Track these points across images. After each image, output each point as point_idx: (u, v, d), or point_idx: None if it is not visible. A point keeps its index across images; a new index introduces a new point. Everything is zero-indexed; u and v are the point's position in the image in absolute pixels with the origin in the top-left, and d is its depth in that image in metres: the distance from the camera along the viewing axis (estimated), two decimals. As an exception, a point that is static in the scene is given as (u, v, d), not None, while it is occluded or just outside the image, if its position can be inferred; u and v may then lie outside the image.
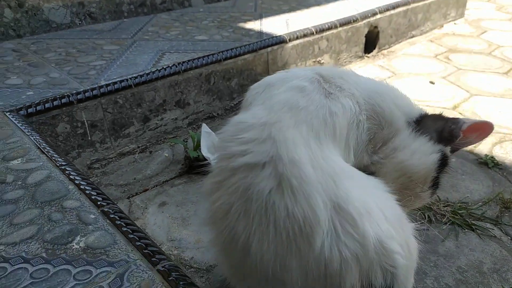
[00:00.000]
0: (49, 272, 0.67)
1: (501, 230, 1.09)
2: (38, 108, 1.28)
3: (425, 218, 1.13)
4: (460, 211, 1.14)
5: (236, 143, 0.57)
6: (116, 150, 1.48)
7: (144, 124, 1.53)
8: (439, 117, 0.71)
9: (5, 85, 1.43)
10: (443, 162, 0.69)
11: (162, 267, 0.68)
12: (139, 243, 0.73)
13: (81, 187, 0.88)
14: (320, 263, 0.53)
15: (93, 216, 0.80)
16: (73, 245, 0.73)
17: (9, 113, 1.22)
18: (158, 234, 1.10)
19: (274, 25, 2.14)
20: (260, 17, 2.32)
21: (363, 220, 0.53)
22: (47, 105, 1.29)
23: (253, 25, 2.15)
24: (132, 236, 0.75)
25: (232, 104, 1.83)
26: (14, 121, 1.17)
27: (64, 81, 1.46)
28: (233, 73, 1.78)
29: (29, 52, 1.77)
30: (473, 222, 1.10)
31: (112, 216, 0.79)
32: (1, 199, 0.85)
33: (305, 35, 2.03)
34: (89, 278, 0.66)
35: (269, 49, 1.88)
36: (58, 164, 0.96)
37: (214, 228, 0.63)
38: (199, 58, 1.64)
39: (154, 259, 0.69)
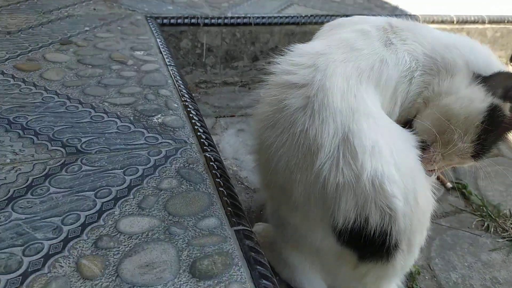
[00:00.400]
0: (129, 129, 0.86)
1: None
2: (172, 21, 1.49)
3: (483, 225, 1.07)
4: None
5: (287, 64, 0.65)
6: (222, 78, 1.65)
7: (252, 63, 1.67)
8: (506, 74, 0.65)
9: (154, -3, 1.69)
10: (495, 119, 0.63)
11: (209, 155, 0.81)
12: (200, 134, 0.87)
13: (176, 83, 1.05)
14: (318, 182, 0.59)
15: (176, 105, 0.96)
16: (153, 119, 0.90)
17: (149, 18, 1.46)
18: (226, 150, 1.25)
19: (416, 2, 2.04)
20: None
21: (365, 156, 0.57)
22: (178, 21, 1.50)
23: (397, 0, 2.08)
24: (197, 127, 0.89)
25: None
26: (150, 25, 1.40)
27: (200, 6, 1.66)
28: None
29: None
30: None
31: (188, 109, 0.94)
32: (119, 74, 1.07)
33: (442, 21, 1.91)
34: (154, 142, 0.83)
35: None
36: (167, 63, 1.15)
37: (253, 136, 0.73)
38: (320, 15, 1.69)
39: (206, 147, 0.83)
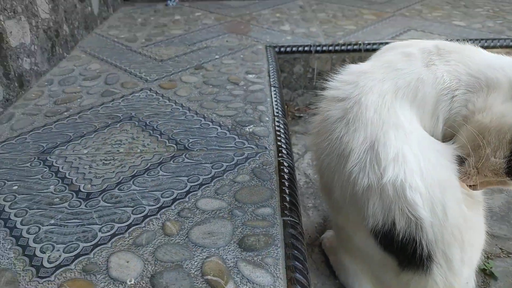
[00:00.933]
0: (225, 134, 1.08)
1: None
2: (287, 49, 1.71)
3: None
4: None
5: (336, 81, 0.76)
6: (332, 99, 1.78)
7: (362, 86, 1.75)
8: None
9: (278, 29, 1.94)
10: None
11: (282, 160, 0.96)
12: (280, 144, 1.03)
13: (273, 101, 1.24)
14: (350, 183, 0.68)
15: (267, 119, 1.15)
16: (246, 128, 1.10)
17: (268, 47, 1.70)
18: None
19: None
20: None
21: (387, 163, 0.63)
22: (293, 49, 1.70)
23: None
24: (279, 138, 1.05)
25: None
26: (267, 53, 1.64)
27: (316, 35, 1.83)
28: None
29: (309, 10, 2.24)
30: None
31: (277, 122, 1.12)
32: (230, 93, 1.31)
33: None
34: (241, 146, 1.02)
35: (532, 48, 1.67)
36: (271, 84, 1.35)
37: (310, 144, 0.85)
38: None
39: (281, 154, 0.99)
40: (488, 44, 1.66)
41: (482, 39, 1.68)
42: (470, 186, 0.70)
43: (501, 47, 1.66)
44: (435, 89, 0.70)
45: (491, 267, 0.95)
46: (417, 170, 0.65)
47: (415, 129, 0.69)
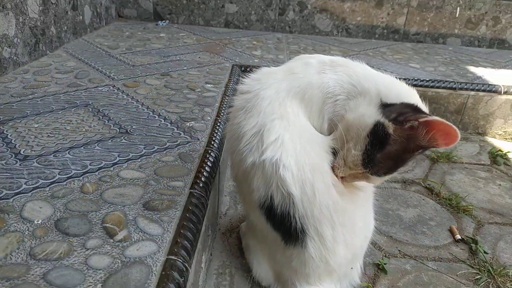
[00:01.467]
0: (166, 126, 1.19)
1: None
2: (252, 69, 1.85)
3: (477, 278, 1.03)
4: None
5: (248, 78, 0.88)
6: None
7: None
8: (411, 106, 0.72)
9: (250, 53, 2.10)
10: (378, 134, 0.71)
11: (210, 149, 1.07)
12: (213, 137, 1.14)
13: (221, 105, 1.36)
14: (241, 160, 0.79)
15: (209, 118, 1.27)
16: (187, 123, 1.22)
17: (234, 66, 1.85)
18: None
19: (505, 76, 2.00)
20: (501, 66, 2.18)
21: (268, 144, 0.74)
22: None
23: (482, 71, 2.07)
24: (214, 132, 1.17)
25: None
26: (232, 69, 1.78)
27: (282, 62, 1.99)
28: (419, 101, 1.86)
29: (284, 42, 2.42)
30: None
31: (217, 120, 1.23)
32: (185, 96, 1.44)
33: (531, 94, 1.82)
34: (177, 135, 1.13)
35: (472, 92, 1.83)
36: (224, 93, 1.48)
37: None
38: (388, 75, 1.83)
39: (211, 145, 1.09)
40: (434, 85, 1.81)
41: (428, 80, 1.83)
42: (342, 178, 0.80)
43: (444, 88, 1.81)
44: (321, 92, 0.82)
45: (384, 263, 1.03)
46: (292, 153, 0.76)
47: (299, 122, 0.80)
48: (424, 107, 0.76)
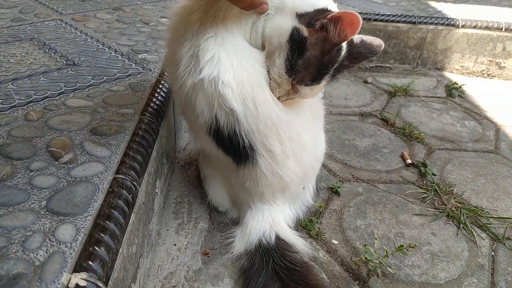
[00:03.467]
0: (117, 58, 1.14)
1: (491, 247, 0.95)
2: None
3: (424, 196, 1.09)
4: (467, 211, 1.04)
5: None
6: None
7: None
8: (323, 10, 0.73)
9: None
10: (295, 38, 0.72)
11: (163, 80, 1.04)
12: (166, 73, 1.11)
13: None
14: (182, 85, 0.77)
15: (163, 51, 1.22)
16: (139, 55, 1.17)
17: None
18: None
19: (465, 11, 2.01)
20: (462, 1, 2.19)
21: (205, 63, 0.72)
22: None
23: (442, 6, 2.08)
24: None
25: (368, 66, 1.92)
26: (188, 4, 1.70)
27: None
28: (379, 36, 1.86)
29: None
30: (471, 224, 0.99)
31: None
32: (138, 30, 1.38)
33: (487, 27, 1.85)
34: (128, 67, 1.09)
35: (431, 26, 1.84)
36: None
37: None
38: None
39: (161, 79, 1.06)
40: (395, 19, 1.81)
41: (388, 14, 1.82)
42: (279, 98, 0.80)
43: (404, 22, 1.81)
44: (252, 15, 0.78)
45: (338, 187, 1.08)
46: (230, 69, 0.73)
47: (234, 38, 0.76)
48: (335, 9, 0.76)
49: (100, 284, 0.54)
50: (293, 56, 0.73)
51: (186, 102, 0.79)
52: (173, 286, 0.81)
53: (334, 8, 0.76)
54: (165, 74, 1.08)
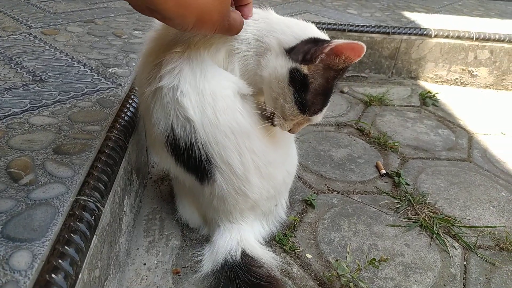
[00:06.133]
0: (86, 72, 1.12)
1: (464, 256, 0.96)
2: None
3: (397, 206, 1.09)
4: (440, 221, 1.04)
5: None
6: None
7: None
8: (311, 40, 0.72)
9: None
10: (297, 79, 0.72)
11: (133, 95, 1.02)
12: (135, 81, 1.09)
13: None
14: (143, 95, 0.77)
15: (134, 64, 1.20)
16: (109, 69, 1.15)
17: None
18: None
19: (437, 20, 2.05)
20: (435, 12, 2.24)
21: (165, 72, 0.72)
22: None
23: (416, 16, 2.12)
24: (137, 78, 1.11)
25: (344, 75, 1.93)
26: (163, 16, 1.69)
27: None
28: (354, 46, 1.88)
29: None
30: (443, 233, 1.00)
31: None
32: (109, 43, 1.35)
33: (458, 37, 1.89)
34: (97, 82, 1.07)
35: (404, 36, 1.87)
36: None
37: None
38: (325, 23, 1.82)
39: (131, 94, 1.05)
40: (369, 30, 1.83)
41: (362, 25, 1.85)
42: (290, 131, 0.80)
43: (378, 32, 1.84)
44: (224, 46, 0.77)
45: (313, 199, 1.07)
46: (191, 81, 0.72)
47: (202, 58, 0.74)
48: (322, 34, 0.76)
49: (55, 314, 0.52)
50: (300, 95, 0.73)
51: (145, 110, 0.79)
52: (142, 308, 0.78)
53: (319, 33, 0.76)
54: (135, 88, 1.06)
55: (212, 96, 0.73)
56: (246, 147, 0.77)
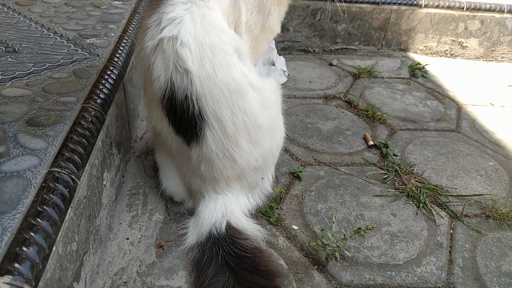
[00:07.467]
0: (62, 43, 1.07)
1: (450, 225, 0.96)
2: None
3: (385, 177, 1.08)
4: (427, 190, 1.04)
5: None
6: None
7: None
8: None
9: None
10: None
11: (111, 65, 0.98)
12: (118, 53, 1.04)
13: (129, 23, 1.24)
14: (143, 48, 0.76)
15: (113, 34, 1.15)
16: (87, 40, 1.10)
17: (149, -17, 1.68)
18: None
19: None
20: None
21: (167, 23, 0.72)
22: None
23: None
24: (120, 48, 1.07)
25: (333, 48, 1.90)
26: None
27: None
28: (343, 18, 1.84)
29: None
30: (430, 203, 0.99)
31: (123, 37, 1.13)
32: (88, 13, 1.30)
33: (449, 7, 1.85)
34: (73, 52, 1.03)
35: (394, 6, 1.82)
36: (134, 10, 1.35)
37: None
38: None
39: (113, 60, 1.00)
40: (358, 0, 1.78)
41: (353, -5, 1.80)
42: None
43: (367, 3, 1.79)
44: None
45: (299, 171, 1.06)
46: (192, 31, 0.72)
47: (208, 10, 0.75)
48: None
49: (26, 287, 0.50)
50: None
51: (146, 68, 0.78)
52: (124, 282, 0.77)
53: None
54: (116, 59, 1.02)
55: (211, 49, 0.73)
56: (239, 106, 0.77)
